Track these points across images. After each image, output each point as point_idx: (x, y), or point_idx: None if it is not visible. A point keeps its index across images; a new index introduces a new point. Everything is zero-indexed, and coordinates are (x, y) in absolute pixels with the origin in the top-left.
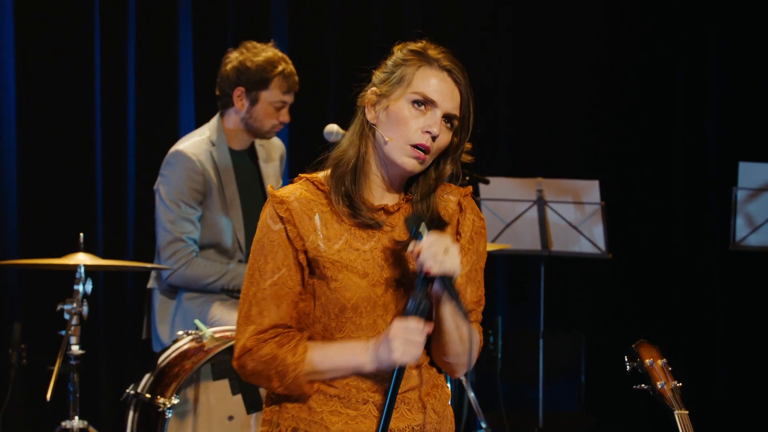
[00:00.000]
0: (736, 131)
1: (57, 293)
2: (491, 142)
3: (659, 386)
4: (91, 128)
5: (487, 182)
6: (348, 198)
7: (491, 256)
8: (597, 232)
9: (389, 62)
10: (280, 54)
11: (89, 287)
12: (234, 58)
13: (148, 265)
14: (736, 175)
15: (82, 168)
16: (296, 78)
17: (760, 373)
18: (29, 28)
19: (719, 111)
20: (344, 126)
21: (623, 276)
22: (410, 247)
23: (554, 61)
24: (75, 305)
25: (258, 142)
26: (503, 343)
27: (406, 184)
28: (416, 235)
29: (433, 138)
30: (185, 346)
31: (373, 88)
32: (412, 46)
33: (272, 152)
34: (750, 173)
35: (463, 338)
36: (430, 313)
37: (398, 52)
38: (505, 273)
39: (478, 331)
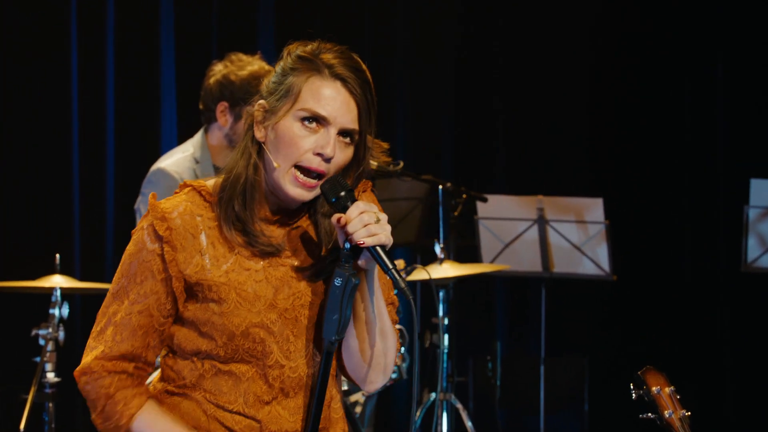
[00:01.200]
0: (748, 146)
1: (31, 317)
2: (489, 158)
3: (667, 415)
4: (67, 143)
5: (485, 200)
6: (240, 224)
7: (490, 277)
8: (601, 253)
9: (277, 69)
10: (266, 67)
11: (66, 311)
12: (218, 71)
13: None
14: (747, 193)
15: (58, 185)
16: None
17: None
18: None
19: (729, 125)
20: None
21: (628, 299)
22: (333, 218)
23: (556, 74)
24: (50, 330)
25: None
26: (502, 370)
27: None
28: (338, 204)
29: (327, 160)
30: None
31: (261, 101)
32: (302, 50)
33: None
34: (762, 191)
35: (385, 332)
36: (352, 292)
37: (287, 58)
38: (505, 295)
39: (395, 333)
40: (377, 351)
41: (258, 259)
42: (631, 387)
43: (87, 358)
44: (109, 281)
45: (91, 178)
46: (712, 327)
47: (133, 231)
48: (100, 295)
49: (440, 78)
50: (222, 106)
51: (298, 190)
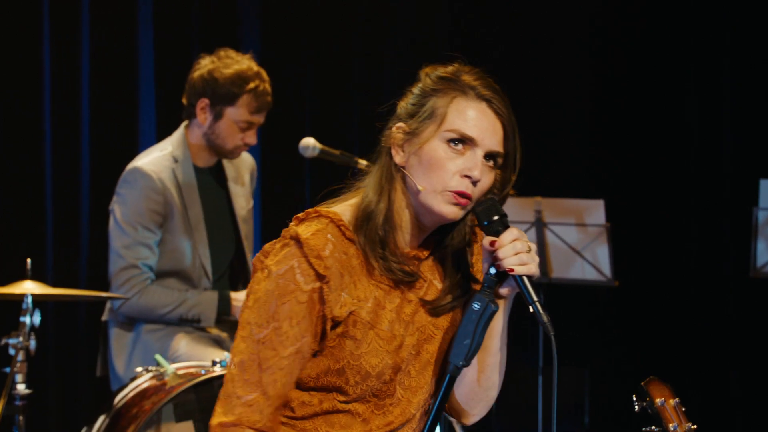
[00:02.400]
0: (757, 145)
1: (1, 326)
2: None
3: (672, 429)
4: (39, 140)
5: None
6: (384, 255)
7: None
8: (602, 257)
9: (416, 91)
10: (255, 68)
11: (37, 319)
12: (204, 65)
13: (104, 294)
14: (756, 194)
15: (29, 186)
16: (269, 98)
17: None
18: None
19: (737, 122)
20: (322, 140)
21: (631, 305)
22: (485, 241)
23: (555, 68)
24: (21, 339)
25: (225, 159)
26: None
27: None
28: (491, 228)
29: (474, 183)
30: (145, 384)
31: (399, 124)
32: (442, 71)
33: (241, 169)
34: None
35: (502, 365)
36: (489, 318)
37: (426, 79)
38: None
39: None
40: (491, 383)
41: (393, 295)
42: (634, 398)
43: (236, 411)
44: (84, 286)
45: (65, 177)
46: (719, 335)
47: (261, 265)
48: (74, 302)
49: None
50: (203, 102)
51: (453, 208)
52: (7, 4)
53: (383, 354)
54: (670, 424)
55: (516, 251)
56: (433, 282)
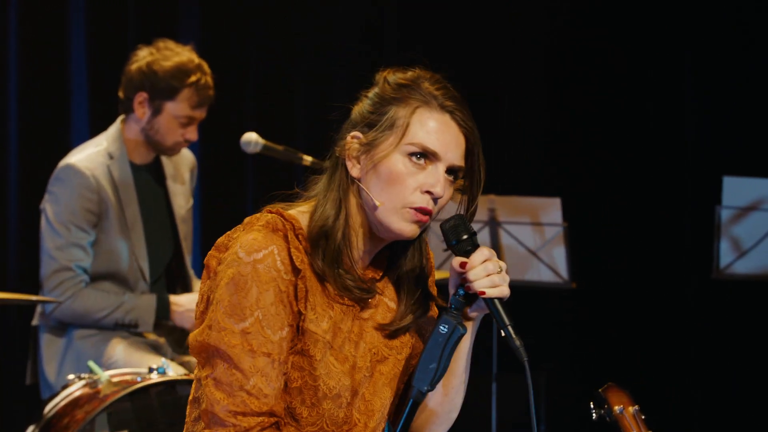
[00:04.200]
0: (720, 141)
1: None
2: None
3: None
4: None
5: None
6: (340, 273)
7: (437, 286)
8: (558, 258)
9: (373, 97)
10: (197, 61)
11: None
12: (142, 57)
13: (34, 298)
14: (719, 192)
15: None
16: (211, 92)
17: (745, 422)
18: None
19: (700, 117)
20: (264, 135)
21: (588, 308)
22: (454, 262)
23: (510, 63)
24: None
25: (163, 156)
26: None
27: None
28: (459, 248)
29: (435, 200)
30: (77, 393)
31: (355, 133)
32: (401, 77)
33: (180, 166)
34: (736, 190)
35: (464, 385)
36: (456, 342)
37: (384, 85)
38: None
39: None
40: (453, 406)
41: (348, 315)
42: (591, 406)
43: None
44: (12, 289)
45: None
46: (680, 340)
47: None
48: (2, 306)
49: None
50: (141, 96)
51: (412, 226)
52: None
53: (340, 375)
54: None
55: (487, 273)
56: (384, 301)
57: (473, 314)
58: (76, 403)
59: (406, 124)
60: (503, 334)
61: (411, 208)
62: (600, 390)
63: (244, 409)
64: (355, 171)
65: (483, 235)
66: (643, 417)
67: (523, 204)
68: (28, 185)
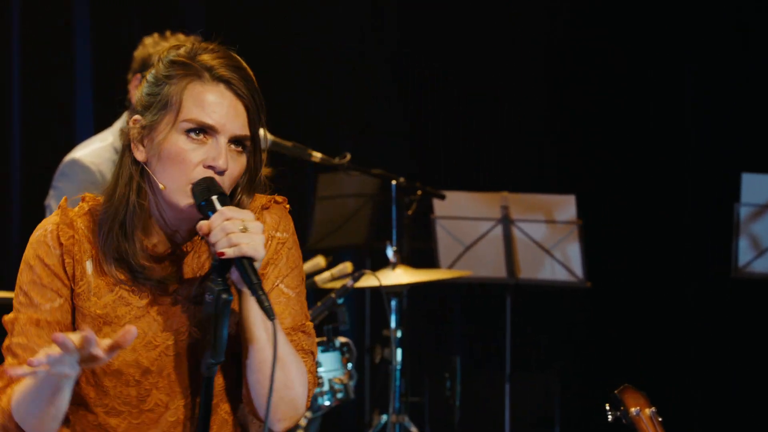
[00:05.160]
0: (739, 137)
1: None
2: (447, 150)
3: None
4: None
5: (442, 197)
6: (122, 261)
7: (448, 285)
8: (573, 256)
9: (150, 78)
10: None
11: None
12: (144, 43)
13: None
14: (738, 189)
15: None
16: None
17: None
18: None
19: (718, 113)
20: (272, 131)
21: (604, 308)
22: (198, 226)
23: (523, 60)
24: None
25: None
26: (462, 389)
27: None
28: (205, 210)
29: (220, 173)
30: None
31: (136, 117)
32: (174, 54)
33: None
34: (755, 186)
35: (283, 361)
36: (224, 309)
37: (158, 64)
38: (465, 305)
39: (306, 363)
40: (281, 383)
41: (143, 293)
42: (607, 408)
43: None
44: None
45: None
46: (698, 340)
47: (37, 227)
48: (8, 305)
49: (391, 63)
50: (136, 79)
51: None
52: None
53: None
54: None
55: (226, 232)
56: (189, 280)
57: (237, 280)
58: None
59: (179, 101)
60: (252, 295)
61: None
62: (616, 391)
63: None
64: (139, 155)
65: (496, 233)
66: (660, 419)
67: (537, 201)
68: (31, 183)
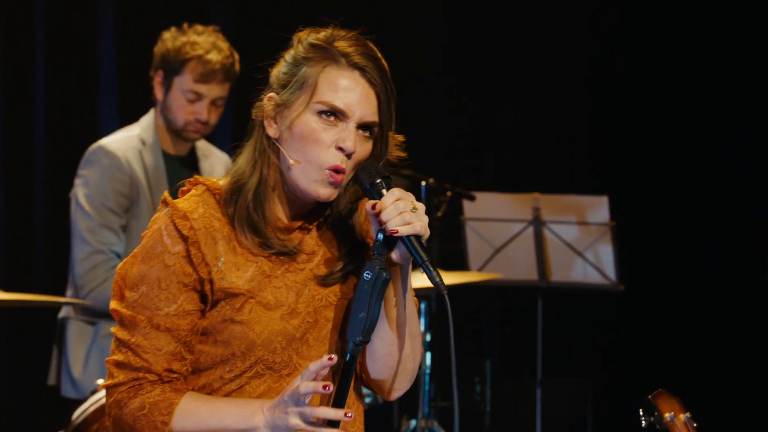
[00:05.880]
0: None
1: None
2: (477, 149)
3: None
4: None
5: (472, 199)
6: (255, 229)
7: (478, 287)
8: (605, 258)
9: (287, 59)
10: (213, 38)
11: None
12: (163, 37)
13: (62, 300)
14: None
15: None
16: (217, 67)
17: None
18: None
19: (756, 109)
20: None
21: (637, 311)
22: (367, 205)
23: (554, 59)
24: None
25: (201, 152)
26: (493, 394)
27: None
28: (373, 191)
29: (348, 155)
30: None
31: (271, 95)
32: (314, 38)
33: (216, 165)
34: None
35: (414, 334)
36: (383, 288)
37: (298, 46)
38: (495, 308)
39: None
40: (405, 355)
41: (278, 264)
42: (641, 413)
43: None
44: (40, 290)
45: (17, 165)
46: (734, 345)
47: (142, 235)
48: (29, 308)
49: (424, 62)
50: (158, 75)
51: (328, 189)
52: None
53: (267, 321)
54: None
55: (399, 211)
56: (323, 251)
57: (395, 257)
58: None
59: (314, 83)
60: (422, 270)
61: (326, 169)
62: (650, 396)
63: (124, 361)
64: (271, 131)
65: (527, 235)
66: (695, 425)
67: (569, 203)
68: (54, 179)
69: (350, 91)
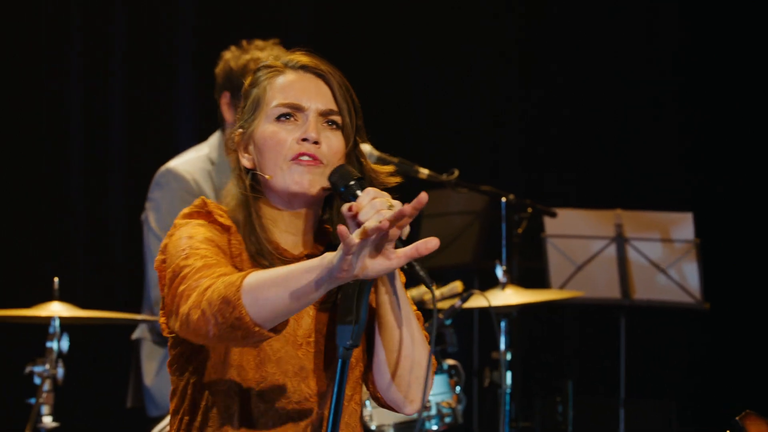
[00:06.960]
0: None
1: (26, 352)
2: (559, 166)
3: None
4: (64, 146)
5: (554, 215)
6: (266, 261)
7: (559, 306)
8: (690, 276)
9: (242, 93)
10: (275, 53)
11: (65, 344)
12: (224, 58)
13: (139, 317)
14: None
15: (55, 197)
16: None
17: None
18: None
19: None
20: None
21: (723, 330)
22: (344, 208)
23: (638, 72)
24: (48, 367)
25: None
26: (575, 414)
27: (318, 230)
28: (348, 193)
29: (315, 143)
30: None
31: (237, 129)
32: (258, 65)
33: None
34: None
35: (415, 338)
36: (367, 289)
37: (247, 78)
38: (577, 327)
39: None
40: (413, 361)
41: None
42: None
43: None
44: (118, 308)
45: (94, 189)
46: None
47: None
48: (106, 326)
49: (501, 76)
50: (225, 97)
51: (304, 176)
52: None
53: (283, 342)
54: None
55: (377, 209)
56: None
57: None
58: None
59: (264, 95)
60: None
61: (290, 159)
62: (737, 418)
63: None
64: (245, 161)
65: (609, 252)
66: None
67: (653, 219)
68: (131, 200)
69: (297, 83)
